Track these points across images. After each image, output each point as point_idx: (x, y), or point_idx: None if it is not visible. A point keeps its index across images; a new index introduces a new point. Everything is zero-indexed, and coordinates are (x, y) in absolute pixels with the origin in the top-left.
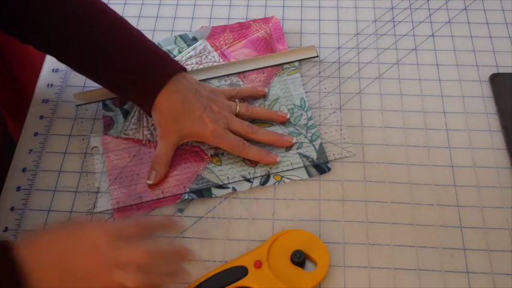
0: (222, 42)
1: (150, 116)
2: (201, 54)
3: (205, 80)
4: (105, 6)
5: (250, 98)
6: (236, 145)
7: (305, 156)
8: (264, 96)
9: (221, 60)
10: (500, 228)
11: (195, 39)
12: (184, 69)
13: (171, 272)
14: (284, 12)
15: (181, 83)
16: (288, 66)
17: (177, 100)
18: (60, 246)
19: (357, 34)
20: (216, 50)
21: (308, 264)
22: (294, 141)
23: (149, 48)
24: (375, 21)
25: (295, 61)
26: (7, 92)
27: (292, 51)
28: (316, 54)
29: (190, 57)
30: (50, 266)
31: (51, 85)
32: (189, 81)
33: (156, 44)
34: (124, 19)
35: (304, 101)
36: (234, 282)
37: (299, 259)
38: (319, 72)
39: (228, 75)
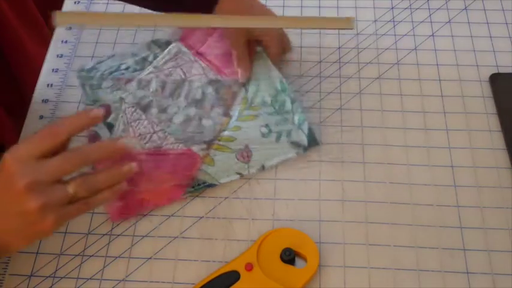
0: (195, 40)
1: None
2: (176, 57)
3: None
4: None
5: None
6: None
7: (296, 143)
8: None
9: (197, 59)
10: (500, 228)
11: (168, 43)
12: None
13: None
14: (284, 12)
15: None
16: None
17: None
18: None
19: (357, 34)
20: (190, 50)
21: (298, 261)
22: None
23: None
24: (375, 21)
25: (326, 28)
26: (7, 92)
27: (325, 19)
28: (352, 27)
29: (166, 61)
30: None
31: (51, 85)
32: None
33: (130, 54)
34: None
35: (283, 83)
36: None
37: (289, 257)
38: (319, 72)
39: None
